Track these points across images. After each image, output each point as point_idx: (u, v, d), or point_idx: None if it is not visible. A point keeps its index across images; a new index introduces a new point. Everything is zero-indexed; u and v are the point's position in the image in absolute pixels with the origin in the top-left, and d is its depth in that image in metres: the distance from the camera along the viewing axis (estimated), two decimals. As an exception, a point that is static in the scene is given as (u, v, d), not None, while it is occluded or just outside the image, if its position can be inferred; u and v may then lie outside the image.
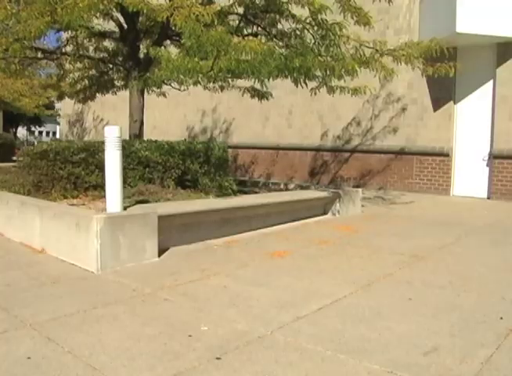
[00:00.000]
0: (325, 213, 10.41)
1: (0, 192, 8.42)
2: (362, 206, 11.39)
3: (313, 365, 3.61)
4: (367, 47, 8.79)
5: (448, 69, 8.90)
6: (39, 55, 11.27)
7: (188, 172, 8.68)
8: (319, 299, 5.09)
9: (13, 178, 8.94)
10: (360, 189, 11.64)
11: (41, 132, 71.17)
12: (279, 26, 10.14)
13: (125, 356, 3.72)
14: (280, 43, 9.61)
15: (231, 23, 10.11)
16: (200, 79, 8.34)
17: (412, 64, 8.97)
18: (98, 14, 9.09)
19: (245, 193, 9.76)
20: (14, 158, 18.59)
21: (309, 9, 8.48)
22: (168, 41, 11.08)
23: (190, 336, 4.10)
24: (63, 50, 11.72)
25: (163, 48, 9.30)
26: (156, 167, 8.33)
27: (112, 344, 3.95)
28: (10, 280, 5.62)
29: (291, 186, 12.05)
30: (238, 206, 8.12)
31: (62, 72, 13.05)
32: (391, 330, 4.27)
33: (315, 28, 8.77)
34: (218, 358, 3.70)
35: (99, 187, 7.53)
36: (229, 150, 10.59)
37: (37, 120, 49.69)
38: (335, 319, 4.53)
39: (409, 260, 6.74)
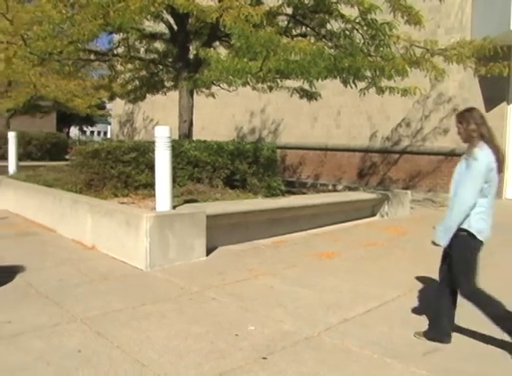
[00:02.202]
0: (373, 215, 10.30)
1: (53, 190, 8.63)
2: (411, 208, 11.23)
3: (359, 368, 3.58)
4: (418, 47, 8.66)
5: (502, 68, 8.67)
6: (92, 57, 11.50)
7: (236, 172, 8.71)
8: (366, 302, 5.05)
9: (66, 176, 9.14)
10: (409, 191, 11.47)
11: (92, 132, 72.60)
12: (328, 26, 10.07)
13: (173, 354, 3.77)
14: (329, 43, 9.54)
15: (280, 23, 10.11)
16: (248, 80, 8.34)
17: (464, 64, 8.79)
18: (149, 16, 9.23)
19: (293, 193, 9.74)
20: (67, 157, 19.03)
21: (359, 9, 8.41)
22: (217, 42, 11.16)
23: (237, 335, 4.12)
24: (115, 52, 11.93)
25: (212, 49, 9.35)
26: (205, 167, 8.39)
27: (160, 341, 4.00)
28: (62, 276, 5.77)
29: (339, 187, 11.97)
30: (286, 206, 8.11)
31: (113, 73, 13.28)
32: (440, 334, 4.20)
33: (365, 28, 8.68)
34: (264, 358, 3.70)
35: (149, 186, 7.63)
36: (277, 151, 10.57)
37: (89, 120, 50.74)
38: (382, 323, 4.48)
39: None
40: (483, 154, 3.71)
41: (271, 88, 11.62)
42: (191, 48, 10.83)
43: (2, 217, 9.48)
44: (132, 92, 13.49)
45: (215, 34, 10.22)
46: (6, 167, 12.53)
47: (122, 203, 7.16)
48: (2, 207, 10.37)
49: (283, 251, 7.17)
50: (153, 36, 11.56)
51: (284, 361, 3.67)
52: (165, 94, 13.70)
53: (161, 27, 11.19)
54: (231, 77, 7.94)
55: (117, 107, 26.67)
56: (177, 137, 9.79)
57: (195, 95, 10.85)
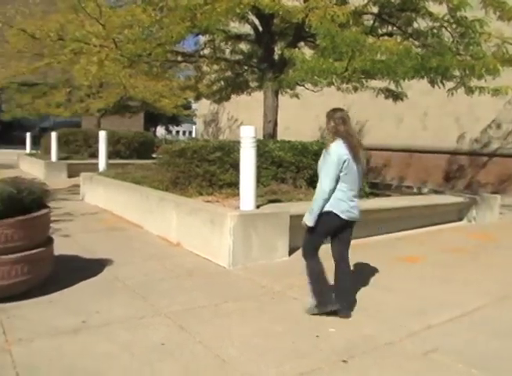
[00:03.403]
0: (460, 219, 9.98)
1: (141, 187, 8.90)
2: (501, 213, 10.79)
3: (443, 377, 3.49)
4: (511, 44, 8.30)
5: None
6: (179, 58, 11.75)
7: (320, 173, 8.67)
8: (450, 309, 4.90)
9: (153, 174, 9.41)
10: (498, 196, 11.01)
11: (178, 132, 74.19)
12: (415, 24, 9.82)
13: (253, 351, 3.81)
14: (416, 42, 9.30)
15: (365, 23, 9.96)
16: (333, 80, 8.28)
17: (562, 62, 8.34)
18: (234, 17, 9.34)
19: (377, 195, 9.57)
20: (154, 155, 19.57)
21: (447, 6, 8.16)
22: (302, 43, 11.14)
23: (317, 337, 4.11)
24: (201, 53, 12.15)
25: (297, 49, 9.34)
26: (289, 167, 8.38)
27: (241, 338, 4.05)
28: (148, 271, 5.96)
29: (425, 190, 11.68)
30: (370, 209, 7.98)
31: (199, 74, 13.53)
32: (530, 346, 4.03)
33: (454, 26, 8.41)
34: (344, 361, 3.68)
35: (233, 185, 7.70)
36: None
37: (175, 119, 52.02)
38: (467, 332, 4.34)
39: (553, 272, 6.32)
40: (336, 148, 4.38)
41: (356, 89, 11.47)
42: (276, 48, 10.86)
43: (92, 212, 9.89)
44: (218, 92, 13.68)
45: (300, 34, 10.21)
46: (96, 164, 13.06)
47: (207, 201, 7.28)
48: (93, 203, 10.82)
49: (366, 254, 7.05)
50: (239, 37, 11.69)
51: (364, 365, 3.63)
52: (250, 94, 13.80)
53: (246, 28, 11.29)
54: (316, 77, 7.91)
55: (202, 107, 27.15)
56: (261, 137, 9.86)
57: (279, 96, 10.88)
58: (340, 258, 4.73)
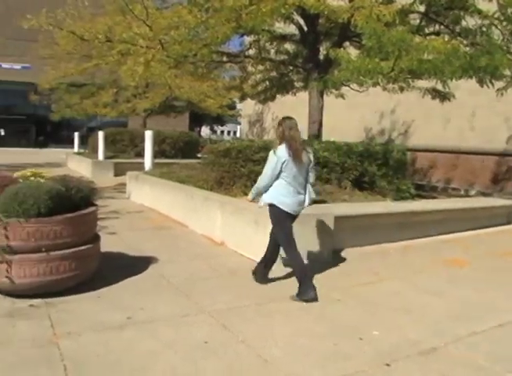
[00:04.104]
0: (509, 223, 9.73)
1: (186, 186, 8.99)
2: (552, 216, 10.49)
3: (491, 384, 3.43)
4: None
5: None
6: (224, 58, 11.81)
7: (365, 174, 8.58)
8: (498, 315, 4.79)
9: (198, 174, 9.49)
10: (550, 199, 10.71)
11: (222, 131, 74.60)
12: (464, 23, 9.63)
13: (296, 352, 3.81)
14: (465, 41, 9.11)
15: (412, 22, 9.81)
16: (379, 80, 8.19)
17: None
18: (279, 18, 9.32)
19: (423, 197, 9.44)
20: (199, 155, 19.74)
21: (498, 3, 7.96)
22: (347, 43, 11.06)
23: (361, 339, 4.08)
24: (246, 53, 12.18)
25: (342, 49, 9.27)
26: (334, 168, 8.33)
27: (284, 338, 4.06)
28: (192, 269, 6.03)
29: (472, 192, 11.46)
30: (416, 210, 7.89)
31: (244, 74, 13.57)
32: None
33: (504, 23, 8.20)
34: (387, 364, 3.64)
35: (278, 185, 7.70)
36: (407, 153, 10.28)
37: (219, 120, 52.36)
38: (517, 338, 4.24)
39: None
40: (278, 151, 5.14)
41: (402, 89, 11.32)
42: (321, 48, 10.81)
43: (138, 210, 10.04)
44: (262, 92, 13.71)
45: (345, 34, 10.14)
46: (142, 163, 13.28)
47: (251, 201, 7.29)
48: (138, 202, 10.98)
49: (410, 256, 6.98)
50: (284, 37, 11.67)
51: (408, 370, 3.58)
52: (295, 95, 13.78)
53: (291, 29, 11.28)
54: (361, 77, 7.84)
55: (247, 107, 27.22)
56: (306, 138, 9.82)
57: (324, 96, 10.83)
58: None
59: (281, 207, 5.15)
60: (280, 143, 5.22)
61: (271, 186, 5.22)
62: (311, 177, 5.49)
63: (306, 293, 4.98)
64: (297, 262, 5.22)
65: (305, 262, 6.23)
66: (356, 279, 5.78)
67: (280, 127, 5.28)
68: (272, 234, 5.50)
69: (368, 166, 8.55)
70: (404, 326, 4.42)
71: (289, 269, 5.72)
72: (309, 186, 5.45)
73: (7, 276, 4.67)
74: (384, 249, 7.22)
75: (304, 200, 5.35)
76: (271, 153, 5.21)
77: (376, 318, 4.59)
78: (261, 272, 5.56)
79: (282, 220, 5.23)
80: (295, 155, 5.12)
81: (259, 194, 5.39)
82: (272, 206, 5.22)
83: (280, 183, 5.17)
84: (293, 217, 5.31)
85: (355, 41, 10.54)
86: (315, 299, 4.94)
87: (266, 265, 5.54)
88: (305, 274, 5.12)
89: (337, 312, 4.74)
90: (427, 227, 8.01)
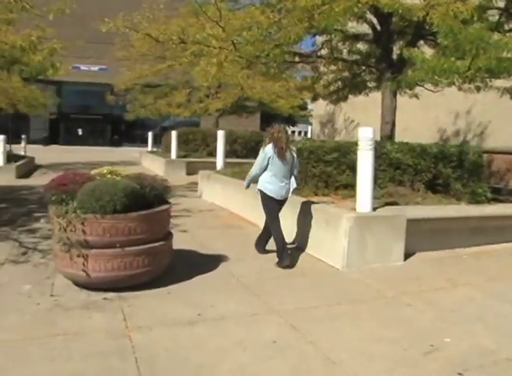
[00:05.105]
0: None
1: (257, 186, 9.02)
2: None
3: None
4: None
5: None
6: (296, 59, 11.78)
7: (439, 176, 8.35)
8: None
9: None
10: None
11: (293, 132, 74.33)
12: (547, 18, 9.23)
13: (364, 356, 3.76)
14: (548, 38, 8.76)
15: (490, 18, 9.48)
16: (455, 80, 7.97)
17: None
18: (352, 17, 9.22)
19: (500, 201, 9.08)
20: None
21: None
22: (422, 41, 10.82)
23: (431, 346, 3.98)
24: (318, 53, 12.11)
25: (416, 48, 9.07)
26: (407, 169, 8.15)
27: (352, 341, 4.02)
28: (262, 269, 6.07)
29: (553, 196, 10.95)
30: (492, 215, 7.63)
31: (316, 74, 13.49)
32: None
33: None
34: (459, 374, 3.53)
35: (349, 187, 7.60)
36: (483, 155, 9.94)
37: (290, 120, 52.33)
38: None
39: None
40: (266, 149, 6.38)
41: (478, 89, 10.96)
42: (394, 48, 10.63)
43: (210, 209, 10.19)
44: (334, 92, 13.59)
45: (420, 32, 9.92)
46: (214, 163, 13.44)
47: (322, 202, 7.26)
48: (210, 200, 11.13)
49: (485, 263, 6.75)
50: (356, 37, 11.53)
51: (481, 380, 3.47)
52: (367, 95, 13.60)
53: (364, 28, 11.14)
54: (436, 77, 7.65)
55: (318, 108, 27.07)
56: (379, 138, 9.68)
57: (397, 96, 10.64)
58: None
59: (267, 192, 6.39)
60: (269, 143, 6.42)
61: (260, 176, 6.47)
62: (295, 170, 6.65)
63: (283, 261, 6.15)
64: (277, 236, 6.35)
65: (377, 265, 6.18)
66: (428, 284, 5.64)
67: (271, 130, 6.49)
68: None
69: (442, 168, 8.32)
70: (477, 334, 4.28)
71: (362, 273, 5.65)
72: (293, 177, 6.59)
73: (83, 270, 4.86)
74: (456, 254, 7.02)
75: (289, 189, 6.53)
76: (261, 149, 6.51)
77: (448, 325, 4.47)
78: (261, 244, 6.77)
79: (267, 202, 6.45)
80: (279, 153, 6.33)
81: (252, 182, 6.72)
82: (261, 192, 6.45)
83: (267, 174, 6.41)
84: (279, 201, 6.48)
85: (430, 39, 10.30)
86: (289, 266, 6.13)
87: (264, 239, 6.75)
88: (283, 246, 6.26)
89: (408, 316, 4.64)
90: (503, 233, 7.71)
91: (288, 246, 6.36)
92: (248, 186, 6.83)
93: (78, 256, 4.84)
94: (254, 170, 6.57)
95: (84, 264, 4.84)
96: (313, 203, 7.10)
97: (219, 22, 8.86)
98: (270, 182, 6.38)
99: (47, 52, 9.43)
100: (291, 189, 6.56)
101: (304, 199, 7.42)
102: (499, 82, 9.91)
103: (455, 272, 6.15)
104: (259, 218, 8.30)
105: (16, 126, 30.67)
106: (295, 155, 6.66)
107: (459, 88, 10.59)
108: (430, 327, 4.40)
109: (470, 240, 7.31)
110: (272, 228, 6.48)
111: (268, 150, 6.36)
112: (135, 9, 10.78)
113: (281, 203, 6.54)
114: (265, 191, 6.40)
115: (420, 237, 6.84)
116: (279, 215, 6.50)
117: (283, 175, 6.43)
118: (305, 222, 6.97)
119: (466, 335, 4.24)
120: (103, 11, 12.79)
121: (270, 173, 6.38)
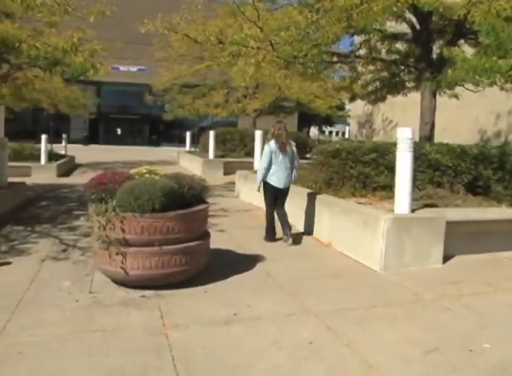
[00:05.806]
0: None
1: (294, 186, 8.99)
2: None
3: None
4: None
5: None
6: (334, 59, 11.71)
7: (479, 178, 8.19)
8: None
9: (307, 174, 9.45)
10: None
11: (330, 132, 74.15)
12: None
13: (401, 359, 3.73)
14: None
15: (536, 15, 9.27)
16: (497, 79, 7.82)
17: None
18: (391, 17, 9.13)
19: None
20: (307, 156, 19.75)
21: None
22: (462, 41, 10.64)
23: (470, 351, 3.91)
24: (357, 53, 12.02)
25: (457, 47, 8.93)
26: (447, 171, 8.01)
27: (388, 344, 3.98)
28: (298, 269, 6.09)
29: None
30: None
31: (354, 74, 13.39)
32: None
33: None
34: (499, 380, 3.47)
35: (387, 188, 7.53)
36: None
37: (328, 120, 52.16)
38: None
39: None
40: (270, 144, 7.42)
41: (521, 89, 10.76)
42: (434, 47, 10.48)
43: (247, 209, 10.23)
44: (373, 93, 13.47)
45: (460, 31, 9.76)
46: (251, 163, 13.47)
47: (359, 203, 7.21)
48: (247, 200, 11.17)
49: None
50: (395, 36, 11.41)
51: (523, 387, 3.40)
52: (406, 95, 13.44)
53: (403, 27, 11.01)
54: (477, 77, 7.51)
55: (356, 108, 26.89)
56: (417, 139, 9.56)
57: (437, 96, 10.49)
58: (279, 207, 7.56)
59: (270, 182, 7.41)
60: (271, 139, 7.48)
61: (268, 168, 7.35)
62: (296, 162, 7.70)
63: (268, 238, 7.49)
64: (268, 217, 7.55)
65: (415, 267, 6.11)
66: (468, 288, 5.54)
67: (273, 128, 7.60)
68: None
69: (482, 170, 8.15)
70: (518, 340, 4.19)
71: (399, 275, 5.59)
72: (294, 170, 7.63)
73: (121, 267, 4.93)
74: (497, 258, 6.88)
75: (291, 179, 7.60)
76: (265, 145, 7.59)
77: (488, 330, 4.39)
78: (270, 234, 7.55)
79: (268, 191, 7.51)
80: (280, 147, 7.39)
81: (264, 176, 7.43)
82: (265, 182, 7.46)
83: (272, 167, 7.37)
84: (280, 190, 7.48)
85: (471, 38, 10.12)
86: (272, 241, 7.45)
87: (272, 229, 7.57)
88: (272, 227, 7.50)
89: (446, 321, 4.57)
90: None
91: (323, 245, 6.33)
92: (261, 183, 7.56)
93: (117, 254, 4.92)
94: (262, 164, 7.46)
95: (122, 262, 4.92)
96: (351, 204, 7.05)
97: (257, 22, 8.88)
98: (273, 174, 7.39)
99: (87, 53, 9.57)
100: (292, 179, 7.65)
101: (341, 200, 7.39)
102: (544, 82, 9.66)
103: (495, 277, 6.03)
104: (296, 218, 8.32)
105: (57, 126, 31.32)
106: (294, 149, 7.70)
107: (502, 88, 10.39)
108: (469, 332, 4.33)
109: (510, 244, 7.17)
110: (267, 210, 7.64)
111: (272, 146, 7.39)
112: (174, 10, 10.86)
113: (284, 191, 7.56)
114: (268, 181, 7.42)
115: (460, 240, 6.73)
116: (285, 202, 7.62)
117: (286, 167, 7.45)
118: (343, 223, 6.94)
119: (507, 342, 4.15)
120: (142, 12, 12.89)
121: (274, 166, 7.38)
